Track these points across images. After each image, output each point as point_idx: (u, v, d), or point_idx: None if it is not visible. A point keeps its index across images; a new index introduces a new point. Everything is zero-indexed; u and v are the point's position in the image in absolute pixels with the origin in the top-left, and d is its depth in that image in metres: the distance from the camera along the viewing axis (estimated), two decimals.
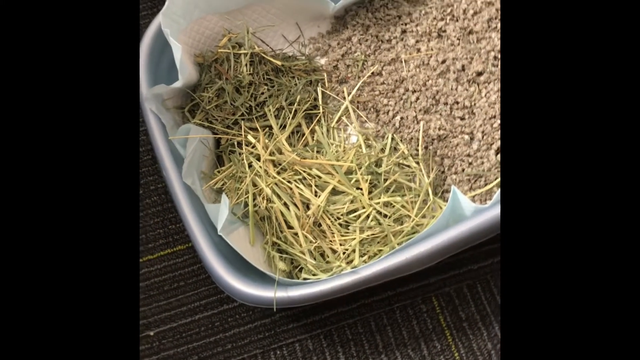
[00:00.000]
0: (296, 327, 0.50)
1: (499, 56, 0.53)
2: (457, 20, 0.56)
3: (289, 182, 0.49)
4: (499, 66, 0.53)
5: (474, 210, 0.43)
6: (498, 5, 0.55)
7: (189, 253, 0.55)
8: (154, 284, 0.53)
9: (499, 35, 0.54)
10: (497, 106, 0.52)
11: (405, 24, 0.57)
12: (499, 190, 0.43)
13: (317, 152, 0.52)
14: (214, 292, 0.53)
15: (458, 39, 0.55)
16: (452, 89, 0.53)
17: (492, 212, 0.40)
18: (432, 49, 0.55)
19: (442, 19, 0.56)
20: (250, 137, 0.51)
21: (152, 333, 0.51)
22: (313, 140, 0.53)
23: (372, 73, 0.56)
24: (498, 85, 0.52)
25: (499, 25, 0.54)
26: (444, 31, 0.56)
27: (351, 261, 0.47)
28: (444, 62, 0.54)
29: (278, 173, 0.49)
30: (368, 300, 0.50)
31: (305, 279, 0.44)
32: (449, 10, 0.56)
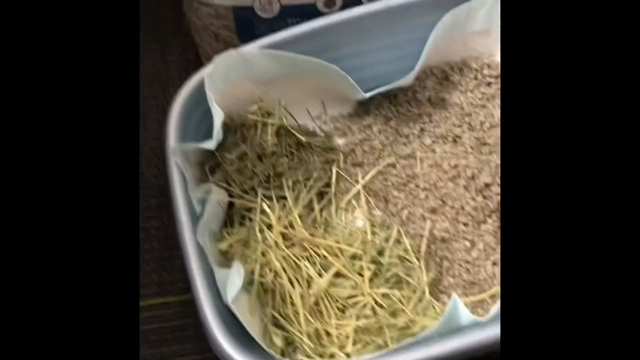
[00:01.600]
0: None
1: None
2: (473, 130, 0.59)
3: (297, 257, 0.50)
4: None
5: (471, 320, 0.45)
6: None
7: (180, 306, 0.55)
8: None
9: None
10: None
11: (425, 124, 0.60)
12: (497, 304, 0.45)
13: (325, 230, 0.54)
14: (199, 350, 0.53)
15: (472, 148, 0.58)
16: (460, 194, 0.56)
17: (494, 328, 0.42)
18: (446, 152, 0.58)
19: (459, 126, 0.60)
20: (265, 206, 0.52)
21: None
22: (322, 217, 0.55)
23: (387, 164, 0.58)
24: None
25: None
26: (460, 138, 0.59)
27: (343, 347, 0.48)
28: (455, 167, 0.57)
29: (287, 247, 0.50)
30: None
31: None
32: (467, 119, 0.60)
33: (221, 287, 0.46)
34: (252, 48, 0.54)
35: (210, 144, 0.50)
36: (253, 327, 0.47)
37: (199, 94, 0.53)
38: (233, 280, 0.45)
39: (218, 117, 0.49)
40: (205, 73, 0.51)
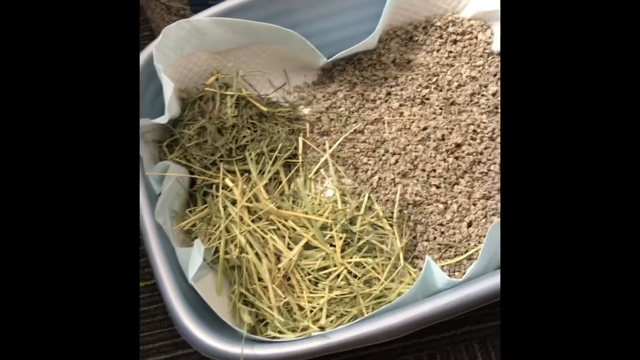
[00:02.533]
0: None
1: (479, 130, 0.55)
2: (441, 90, 0.57)
3: (263, 231, 0.48)
4: (477, 140, 0.55)
5: (446, 282, 0.43)
6: (481, 81, 0.57)
7: (148, 291, 0.52)
8: None
9: (480, 110, 0.56)
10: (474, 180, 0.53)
11: (391, 87, 0.58)
12: (472, 265, 0.44)
13: (293, 202, 0.52)
14: (169, 336, 0.51)
15: (440, 109, 0.56)
16: (430, 156, 0.54)
17: (467, 289, 0.41)
18: (414, 115, 0.56)
19: (426, 87, 0.57)
20: (228, 181, 0.50)
21: None
22: (289, 189, 0.53)
23: (355, 130, 0.56)
24: (475, 158, 0.54)
25: (480, 100, 0.56)
26: (428, 99, 0.57)
27: (317, 320, 0.46)
28: (425, 129, 0.55)
29: (253, 221, 0.48)
30: None
31: (272, 337, 0.43)
32: (434, 79, 0.58)
33: (184, 267, 0.44)
34: (203, 17, 0.52)
35: (163, 119, 0.47)
36: (220, 306, 0.45)
37: (151, 70, 0.50)
38: (194, 259, 0.43)
39: (168, 89, 0.46)
40: (153, 45, 0.49)
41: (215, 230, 0.48)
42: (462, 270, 0.50)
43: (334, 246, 0.49)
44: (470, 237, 0.51)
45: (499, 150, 0.54)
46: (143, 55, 0.51)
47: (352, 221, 0.51)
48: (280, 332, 0.44)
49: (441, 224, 0.51)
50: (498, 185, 0.53)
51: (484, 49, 0.58)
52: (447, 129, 0.55)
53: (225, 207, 0.49)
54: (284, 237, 0.48)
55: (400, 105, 0.57)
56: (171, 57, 0.51)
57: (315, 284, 0.48)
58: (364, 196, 0.53)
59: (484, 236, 0.51)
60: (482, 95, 0.56)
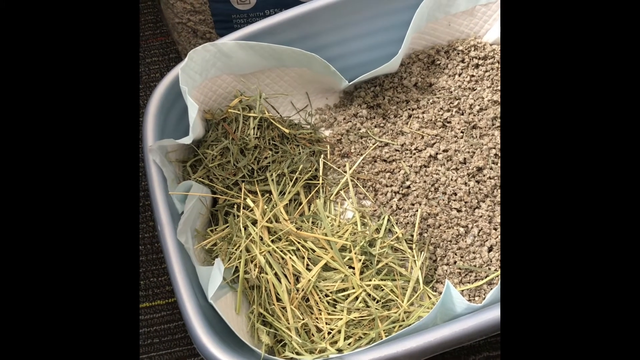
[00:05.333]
0: None
1: (500, 154, 0.55)
2: (462, 114, 0.57)
3: (282, 251, 0.48)
4: (498, 164, 0.55)
5: (466, 307, 0.43)
6: None
7: (168, 309, 0.53)
8: None
9: None
10: (495, 204, 0.53)
11: (412, 110, 0.59)
12: (492, 290, 0.43)
13: (313, 223, 0.52)
14: (188, 354, 0.51)
15: (462, 132, 0.56)
16: (451, 179, 0.54)
17: (488, 314, 0.40)
18: (435, 137, 0.56)
19: (448, 110, 0.58)
20: (249, 201, 0.51)
21: None
22: (309, 210, 0.53)
23: (375, 152, 0.56)
24: (496, 182, 0.54)
25: None
26: (449, 122, 0.57)
27: (335, 342, 0.46)
28: (446, 151, 0.56)
29: (272, 241, 0.49)
30: None
31: (290, 358, 0.43)
32: (455, 102, 0.58)
33: (204, 286, 0.45)
34: (228, 40, 0.53)
35: (187, 139, 0.48)
36: (239, 325, 0.45)
37: (176, 91, 0.52)
38: (214, 278, 0.43)
39: (193, 110, 0.47)
40: (179, 67, 0.50)
41: (236, 249, 0.48)
42: (482, 295, 0.50)
43: (353, 268, 0.49)
44: (491, 261, 0.51)
45: None
46: (169, 77, 0.52)
47: (371, 243, 0.51)
48: (297, 354, 0.44)
49: (461, 248, 0.51)
50: None
51: None
52: (468, 152, 0.55)
53: (245, 227, 0.49)
54: (303, 258, 0.49)
55: (421, 127, 0.57)
56: (196, 79, 0.52)
57: (334, 305, 0.48)
58: (384, 218, 0.53)
59: None
60: None
